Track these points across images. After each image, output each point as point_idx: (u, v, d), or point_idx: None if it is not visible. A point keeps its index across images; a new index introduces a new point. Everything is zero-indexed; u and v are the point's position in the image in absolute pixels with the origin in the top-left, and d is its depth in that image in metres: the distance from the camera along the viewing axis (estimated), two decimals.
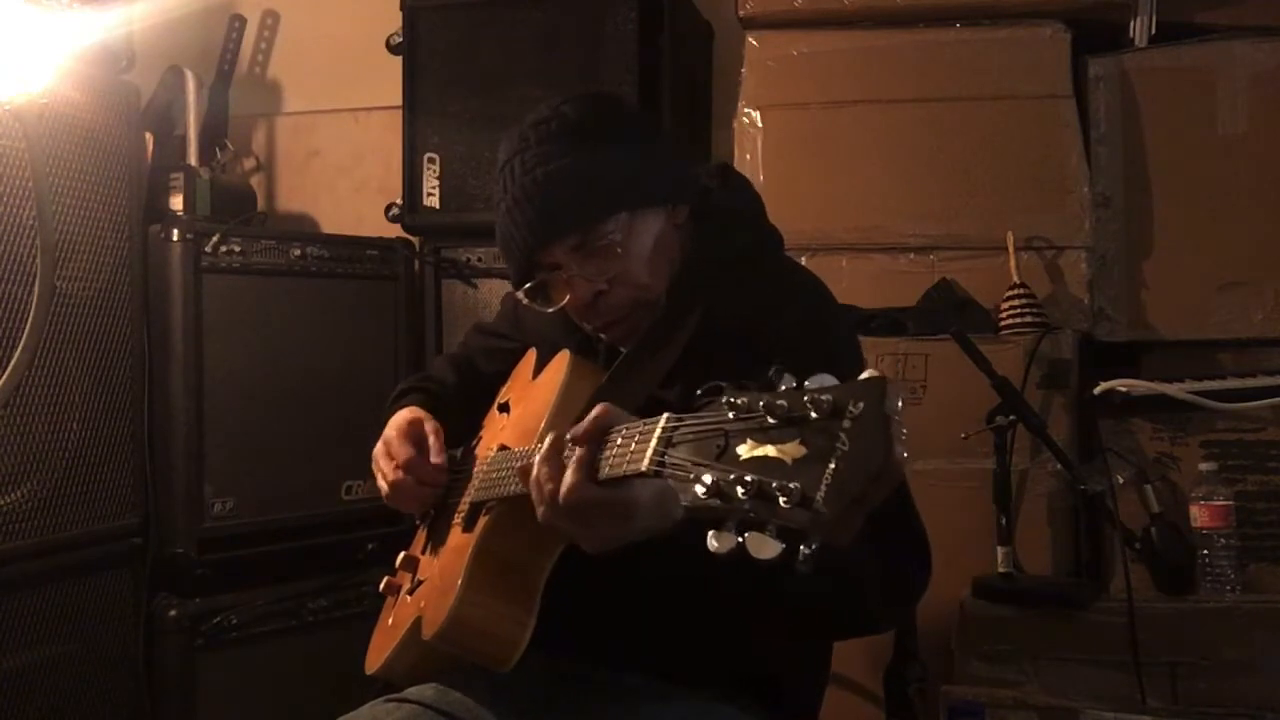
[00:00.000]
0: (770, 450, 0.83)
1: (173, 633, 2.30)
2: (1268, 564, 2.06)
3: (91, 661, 2.21)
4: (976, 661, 1.99)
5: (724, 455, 0.86)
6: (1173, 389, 2.11)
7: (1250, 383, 2.14)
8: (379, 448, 1.47)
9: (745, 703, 1.30)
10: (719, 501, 0.84)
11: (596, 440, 1.03)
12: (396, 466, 1.43)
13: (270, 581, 2.42)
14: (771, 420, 0.84)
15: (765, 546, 0.80)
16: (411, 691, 1.33)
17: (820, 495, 0.78)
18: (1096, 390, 2.14)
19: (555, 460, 1.06)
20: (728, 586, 1.08)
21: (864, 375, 0.82)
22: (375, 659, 1.44)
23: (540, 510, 1.07)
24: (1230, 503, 2.03)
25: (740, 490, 0.82)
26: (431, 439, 1.45)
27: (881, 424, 0.78)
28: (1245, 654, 1.92)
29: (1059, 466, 2.06)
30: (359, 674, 1.48)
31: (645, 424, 0.98)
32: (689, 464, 0.89)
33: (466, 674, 1.32)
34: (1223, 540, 2.02)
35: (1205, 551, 2.02)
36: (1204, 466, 2.05)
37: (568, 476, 1.03)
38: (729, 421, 0.88)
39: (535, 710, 1.29)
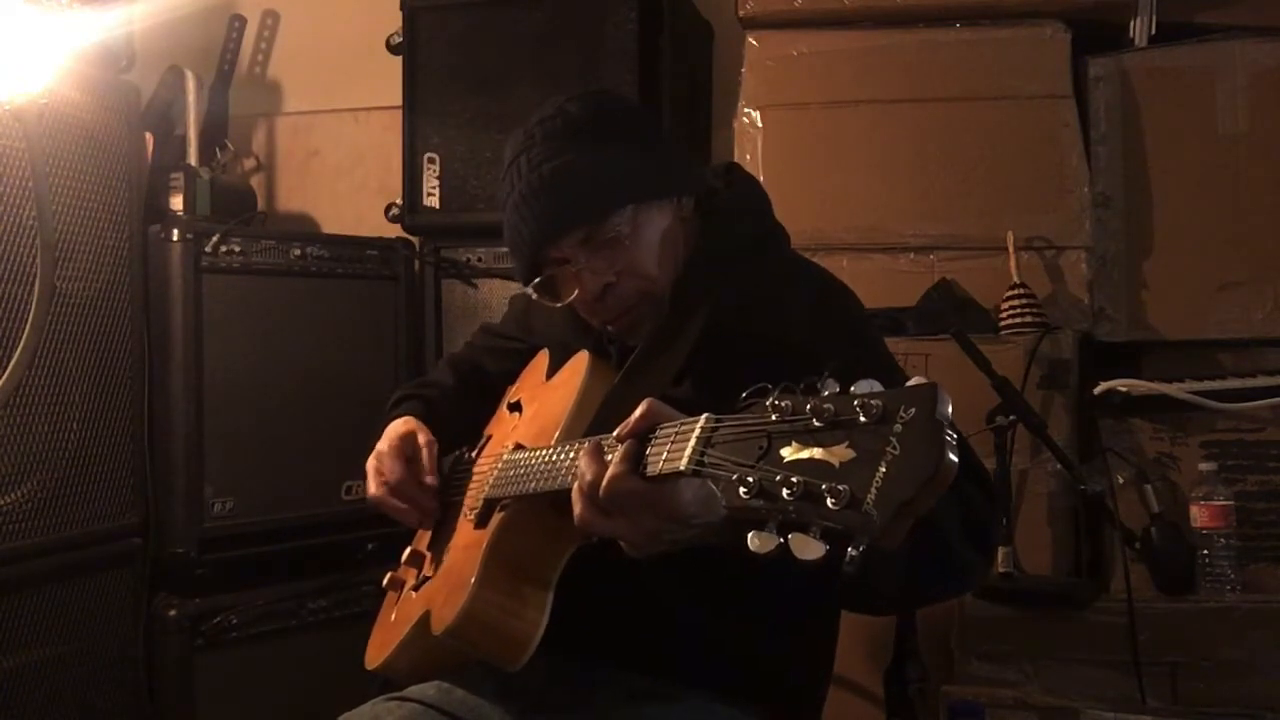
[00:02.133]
0: (817, 452, 0.83)
1: (173, 633, 2.30)
2: (1268, 564, 2.06)
3: (91, 661, 2.21)
4: (976, 661, 2.00)
5: (766, 457, 0.86)
6: (1173, 389, 2.11)
7: (1250, 383, 2.14)
8: (371, 461, 1.48)
9: (746, 703, 1.30)
10: (763, 502, 0.83)
11: (644, 436, 1.01)
12: (384, 482, 1.44)
13: (270, 581, 2.42)
14: (818, 423, 0.84)
15: (809, 548, 0.80)
16: (413, 690, 1.33)
17: (871, 498, 0.78)
18: (1096, 390, 2.14)
19: (598, 458, 1.05)
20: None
21: (913, 381, 0.82)
22: (376, 655, 1.44)
23: (578, 509, 1.05)
24: (1230, 503, 2.03)
25: (786, 491, 0.82)
26: (425, 453, 1.45)
27: (934, 430, 0.78)
28: (1245, 654, 1.92)
29: (1059, 466, 2.06)
30: (359, 674, 1.48)
31: (684, 423, 0.98)
32: (729, 464, 0.88)
33: (468, 672, 1.32)
34: (1223, 540, 2.02)
35: (1205, 551, 2.02)
36: (1204, 466, 2.05)
37: (612, 467, 1.01)
38: (772, 424, 0.87)
39: (537, 709, 1.29)
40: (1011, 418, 1.99)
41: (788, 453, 0.84)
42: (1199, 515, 2.04)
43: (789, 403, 0.87)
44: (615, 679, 1.29)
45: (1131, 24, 2.37)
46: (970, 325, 2.13)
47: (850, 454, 0.81)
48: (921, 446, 0.78)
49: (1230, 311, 2.26)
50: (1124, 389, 2.12)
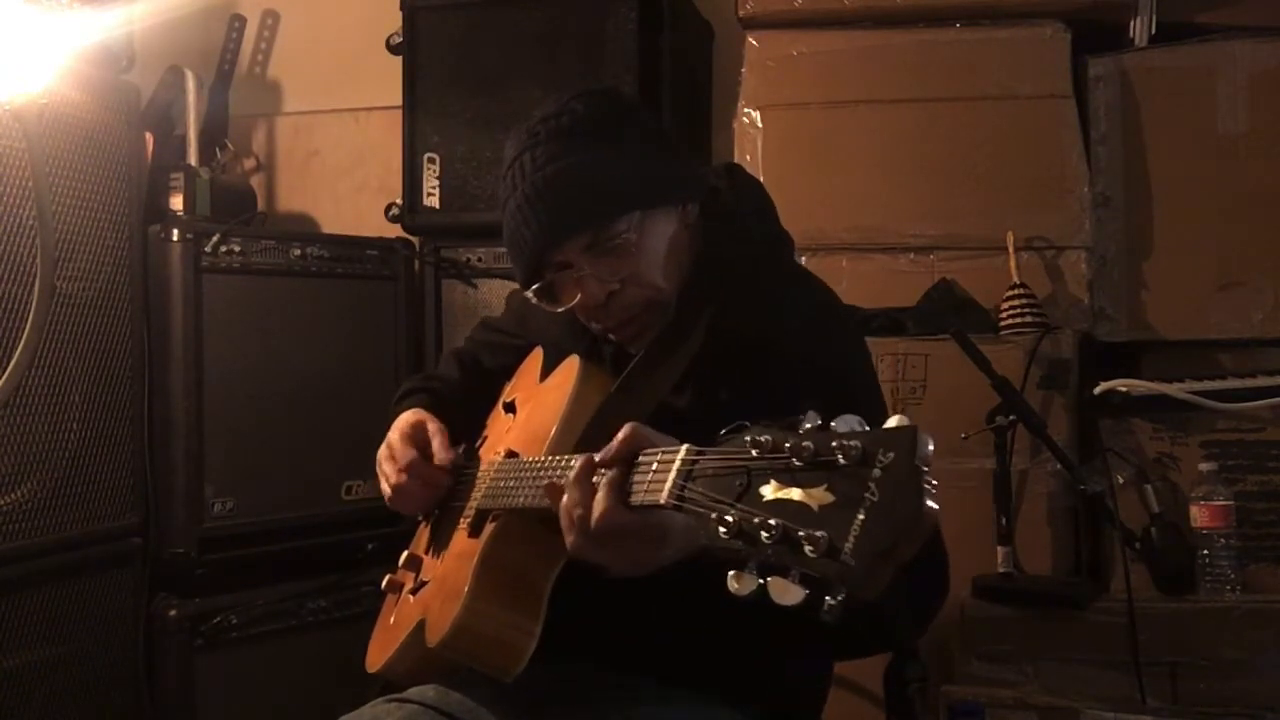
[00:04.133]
0: (796, 494, 0.81)
1: (173, 633, 2.30)
2: (1268, 564, 2.06)
3: (91, 661, 2.21)
4: (976, 661, 2.00)
5: (746, 495, 0.84)
6: (1173, 389, 2.11)
7: (1250, 383, 2.14)
8: (382, 450, 1.48)
9: (746, 706, 1.30)
10: (742, 544, 0.82)
11: (627, 462, 1.00)
12: (400, 470, 1.43)
13: (270, 581, 2.42)
14: (798, 463, 0.82)
15: (788, 592, 0.78)
16: (413, 691, 1.33)
17: (848, 547, 0.76)
18: (1096, 390, 2.14)
19: (586, 484, 1.03)
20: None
21: (891, 422, 0.80)
22: (376, 658, 1.44)
23: (570, 539, 1.04)
24: (1230, 503, 2.03)
25: (765, 534, 0.80)
26: (435, 440, 1.45)
27: (912, 476, 0.76)
28: (1245, 654, 1.92)
29: (1059, 466, 2.06)
30: (359, 674, 1.48)
31: (665, 453, 0.97)
32: (709, 500, 0.87)
33: (467, 675, 1.32)
34: (1223, 540, 2.02)
35: (1205, 551, 2.02)
36: (1204, 466, 2.05)
37: (598, 502, 1.00)
38: (752, 460, 0.85)
39: (536, 712, 1.28)
40: (1011, 418, 1.99)
41: (767, 492, 0.83)
42: (1199, 515, 2.04)
43: (769, 438, 0.85)
44: (613, 681, 1.29)
45: (1131, 24, 2.37)
46: (970, 325, 2.13)
47: (829, 498, 0.79)
48: (900, 494, 0.76)
49: (1230, 311, 2.27)
50: (1124, 389, 2.12)
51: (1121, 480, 2.10)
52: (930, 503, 0.76)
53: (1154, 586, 2.03)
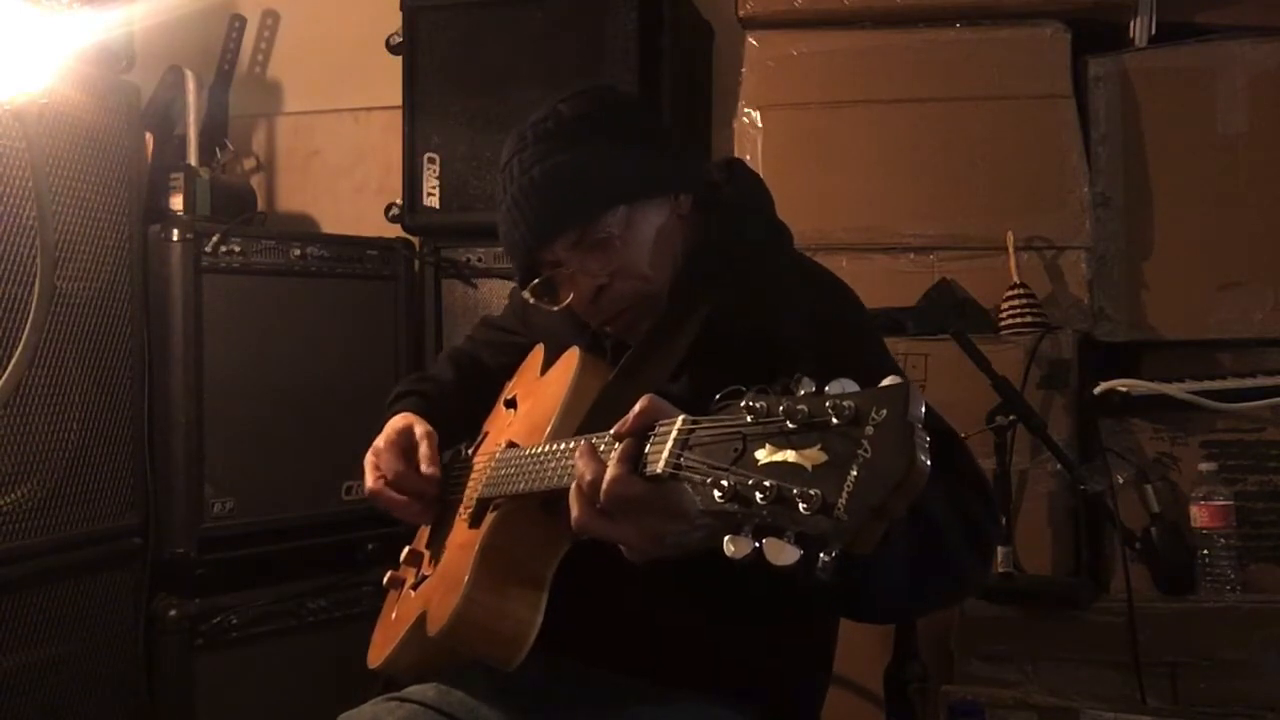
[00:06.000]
0: (790, 455, 0.81)
1: (173, 633, 2.30)
2: (1268, 564, 2.06)
3: (91, 661, 2.21)
4: (976, 661, 2.00)
5: (741, 459, 0.85)
6: (1173, 389, 2.11)
7: (1250, 383, 2.14)
8: (369, 457, 1.48)
9: (744, 705, 1.30)
10: (737, 506, 0.83)
11: (641, 434, 1.00)
12: (380, 477, 1.44)
13: (270, 581, 2.42)
14: (791, 425, 0.82)
15: (783, 553, 0.79)
16: (412, 690, 1.33)
17: (842, 503, 0.76)
18: (1096, 390, 2.14)
19: (592, 456, 1.03)
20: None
21: (887, 381, 0.80)
22: (378, 654, 1.44)
23: (577, 510, 1.04)
24: (1230, 503, 2.03)
25: (759, 495, 0.81)
26: (423, 446, 1.44)
27: (905, 432, 0.76)
28: (1245, 654, 1.92)
29: (1059, 466, 2.06)
30: (359, 674, 1.48)
31: (663, 424, 0.97)
32: (705, 467, 0.87)
33: (467, 673, 1.32)
34: (1223, 540, 2.02)
35: (1205, 551, 2.02)
36: (1204, 466, 2.06)
37: (611, 469, 0.99)
38: (747, 425, 0.86)
39: (536, 710, 1.29)
40: (1011, 418, 1.99)
41: (762, 455, 0.84)
42: (1199, 515, 2.04)
43: (763, 404, 0.86)
44: (613, 680, 1.29)
45: (1131, 24, 2.37)
46: (970, 325, 2.13)
47: (823, 457, 0.80)
48: (892, 449, 0.76)
49: (1230, 311, 2.26)
50: (1124, 389, 2.12)
51: (1121, 480, 2.10)
52: (923, 457, 0.76)
53: (1154, 586, 2.03)
